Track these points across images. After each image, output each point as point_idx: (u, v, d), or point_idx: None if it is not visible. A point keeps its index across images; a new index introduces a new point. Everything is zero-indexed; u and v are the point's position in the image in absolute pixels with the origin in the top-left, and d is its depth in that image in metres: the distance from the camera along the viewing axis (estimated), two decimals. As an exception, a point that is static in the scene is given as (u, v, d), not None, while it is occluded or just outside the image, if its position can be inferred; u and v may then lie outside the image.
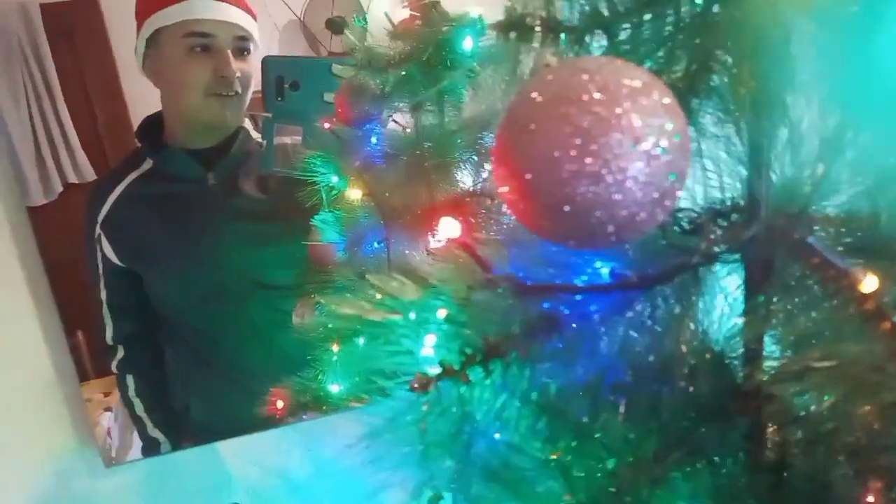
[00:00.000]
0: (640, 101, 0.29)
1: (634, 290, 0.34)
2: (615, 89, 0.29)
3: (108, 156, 2.86)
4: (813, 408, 0.34)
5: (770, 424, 0.37)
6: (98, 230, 1.27)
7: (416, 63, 0.87)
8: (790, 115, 0.37)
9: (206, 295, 1.26)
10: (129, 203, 1.27)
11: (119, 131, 2.85)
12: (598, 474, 0.36)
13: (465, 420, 0.38)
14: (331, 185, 0.99)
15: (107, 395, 2.26)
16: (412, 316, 0.40)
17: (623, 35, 0.39)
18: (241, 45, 1.20)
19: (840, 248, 0.36)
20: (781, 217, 0.39)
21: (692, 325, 0.38)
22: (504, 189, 0.31)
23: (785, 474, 0.36)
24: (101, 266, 1.30)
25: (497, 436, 0.40)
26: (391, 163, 0.95)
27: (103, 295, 1.31)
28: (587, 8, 0.37)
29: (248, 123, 1.30)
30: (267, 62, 1.12)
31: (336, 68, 1.12)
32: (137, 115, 3.01)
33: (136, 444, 1.37)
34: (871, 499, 0.30)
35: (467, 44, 0.85)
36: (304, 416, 1.08)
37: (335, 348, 0.92)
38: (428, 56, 0.86)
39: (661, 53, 0.38)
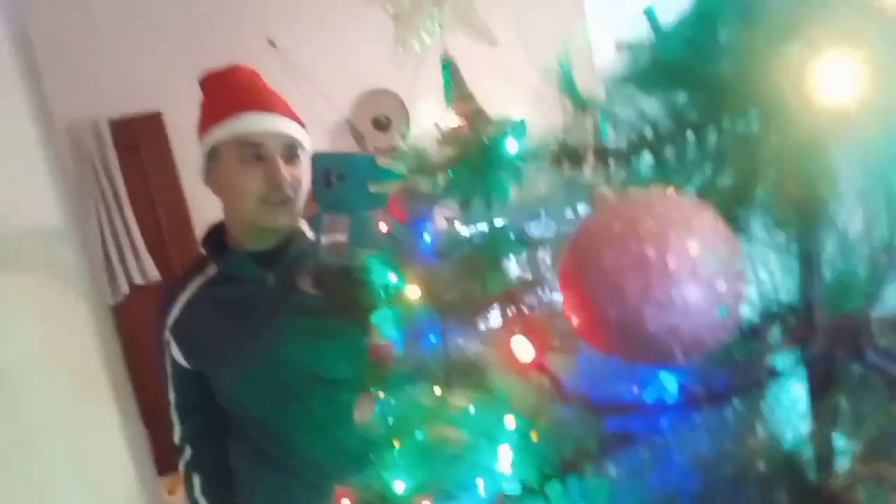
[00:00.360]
0: (695, 230, 0.31)
1: (702, 405, 0.35)
2: (671, 221, 0.31)
3: (172, 258, 3.00)
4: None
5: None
6: (167, 334, 1.32)
7: (463, 166, 0.92)
8: (837, 223, 0.38)
9: (268, 391, 1.29)
10: (195, 307, 1.32)
11: (182, 235, 3.01)
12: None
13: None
14: (388, 282, 1.02)
15: (171, 492, 2.28)
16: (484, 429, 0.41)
17: (668, 153, 0.42)
18: (291, 152, 1.27)
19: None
20: (838, 319, 0.40)
21: (761, 431, 0.39)
22: (572, 314, 0.33)
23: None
24: (169, 369, 1.34)
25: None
26: (445, 259, 0.98)
27: (172, 396, 1.36)
28: (633, 135, 0.40)
29: (303, 224, 1.36)
30: (315, 157, 1.17)
31: (380, 160, 1.16)
32: (198, 221, 3.16)
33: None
34: None
35: (511, 146, 0.89)
36: (369, 515, 1.07)
37: (397, 445, 0.93)
38: (474, 159, 0.91)
39: (706, 170, 0.41)
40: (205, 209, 2.75)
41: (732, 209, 0.41)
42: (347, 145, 3.00)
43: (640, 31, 0.42)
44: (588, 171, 0.40)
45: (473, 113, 0.97)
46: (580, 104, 0.40)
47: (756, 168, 0.39)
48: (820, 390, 0.40)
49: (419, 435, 0.90)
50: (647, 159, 0.42)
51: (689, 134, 0.41)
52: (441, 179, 0.96)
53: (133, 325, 2.21)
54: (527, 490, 0.34)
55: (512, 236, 0.94)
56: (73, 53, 2.73)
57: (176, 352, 1.32)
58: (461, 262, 0.95)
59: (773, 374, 0.37)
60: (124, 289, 2.74)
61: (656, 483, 0.35)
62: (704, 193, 0.39)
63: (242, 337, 1.28)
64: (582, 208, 0.47)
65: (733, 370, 0.37)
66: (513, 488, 0.35)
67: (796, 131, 0.37)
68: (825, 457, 0.39)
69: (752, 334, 0.40)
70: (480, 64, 1.85)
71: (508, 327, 0.85)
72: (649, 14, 0.41)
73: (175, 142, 2.85)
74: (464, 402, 0.46)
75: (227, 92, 1.27)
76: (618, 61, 0.42)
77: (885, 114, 0.34)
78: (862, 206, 0.37)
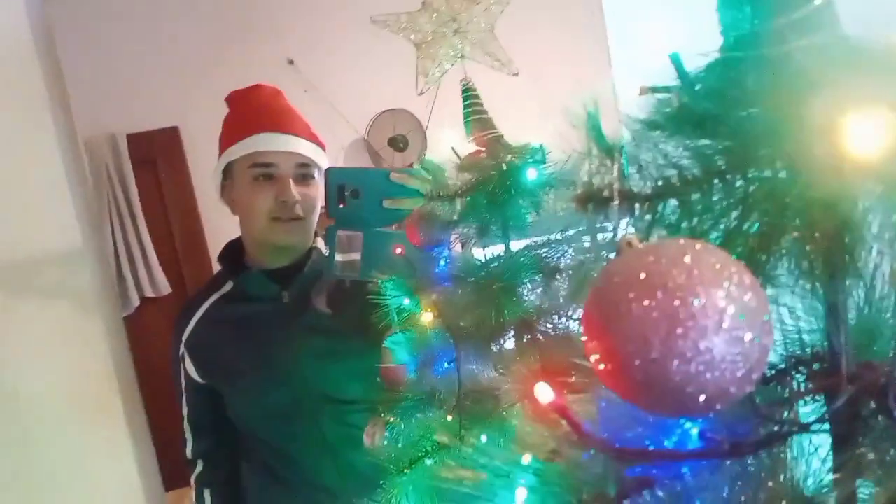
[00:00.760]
0: (722, 284, 0.31)
1: (726, 457, 0.35)
2: (699, 271, 0.31)
3: (184, 272, 3.02)
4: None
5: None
6: (182, 349, 1.33)
7: (481, 192, 0.92)
8: (864, 272, 0.38)
9: (279, 410, 1.29)
10: (210, 323, 1.32)
11: (194, 249, 3.03)
12: None
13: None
14: (402, 306, 1.02)
15: (177, 509, 2.27)
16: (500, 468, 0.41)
17: (694, 199, 0.42)
18: (304, 171, 1.27)
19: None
20: (864, 367, 0.40)
21: (784, 478, 0.38)
22: (595, 361, 0.33)
23: None
24: (184, 383, 1.35)
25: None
26: (460, 285, 0.98)
27: (185, 411, 1.36)
28: (659, 181, 0.40)
29: (320, 243, 1.36)
30: (329, 172, 1.17)
31: (394, 176, 1.16)
32: (212, 236, 3.18)
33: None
34: None
35: (531, 174, 0.89)
36: (376, 539, 1.06)
37: (406, 471, 0.92)
38: (493, 186, 0.91)
39: (733, 216, 0.41)
40: (218, 224, 2.78)
41: (758, 256, 0.41)
42: (363, 164, 3.02)
43: (665, 76, 0.42)
44: (613, 214, 0.40)
45: (493, 139, 0.97)
46: (606, 149, 0.40)
47: (782, 216, 0.39)
48: (844, 439, 0.39)
49: (429, 462, 0.90)
50: (672, 204, 0.42)
51: (716, 181, 0.41)
52: (459, 205, 0.96)
53: (143, 336, 2.23)
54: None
55: (529, 263, 0.94)
56: (94, 68, 2.77)
57: (190, 366, 1.33)
58: (477, 288, 0.95)
59: (798, 423, 0.37)
60: (135, 301, 2.77)
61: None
62: (730, 240, 0.39)
63: (255, 354, 1.29)
64: (604, 245, 0.47)
65: (757, 418, 0.36)
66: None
67: (823, 180, 0.37)
68: (848, 507, 0.39)
69: (776, 381, 0.40)
70: (501, 93, 1.86)
71: (524, 357, 0.85)
72: (675, 60, 0.42)
73: (191, 157, 2.89)
74: (476, 439, 0.46)
75: (245, 112, 1.29)
76: (643, 106, 0.42)
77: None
78: (889, 254, 0.37)
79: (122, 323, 1.30)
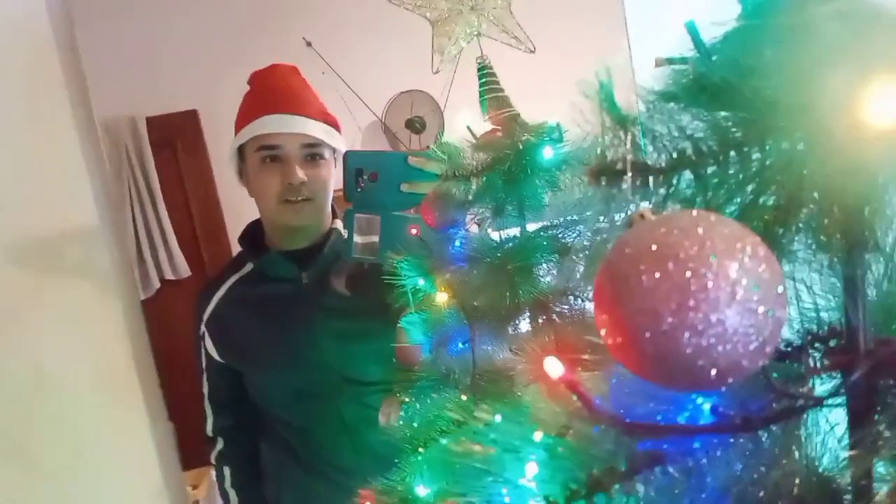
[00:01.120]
0: (735, 255, 0.31)
1: (737, 431, 0.34)
2: (711, 243, 0.31)
3: (204, 255, 3.04)
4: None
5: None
6: (202, 328, 1.35)
7: (497, 172, 0.91)
8: (882, 245, 0.37)
9: (298, 390, 1.30)
10: (230, 303, 1.34)
11: (214, 232, 3.05)
12: None
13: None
14: (417, 287, 1.02)
15: (194, 487, 2.31)
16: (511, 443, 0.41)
17: (710, 172, 0.41)
18: (311, 151, 1.26)
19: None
20: (881, 343, 0.39)
21: (797, 455, 0.38)
22: (606, 335, 0.33)
23: None
24: (204, 361, 1.37)
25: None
26: (475, 265, 0.98)
27: (205, 389, 1.38)
28: (674, 153, 0.39)
29: (339, 224, 1.36)
30: (347, 156, 1.17)
31: (412, 160, 1.15)
32: (231, 219, 3.19)
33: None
34: None
35: (547, 153, 0.88)
36: (391, 519, 1.07)
37: (421, 450, 0.93)
38: (509, 165, 0.90)
39: (749, 189, 0.40)
40: (238, 207, 2.79)
41: (775, 230, 0.40)
42: (381, 146, 3.02)
43: (682, 46, 0.41)
44: (627, 187, 0.39)
45: (509, 118, 0.96)
46: (619, 120, 0.39)
47: (800, 189, 0.39)
48: (861, 416, 0.39)
49: (443, 441, 0.90)
50: (687, 177, 0.41)
51: (732, 153, 0.40)
52: (474, 185, 0.95)
53: (164, 318, 2.26)
54: (555, 508, 0.34)
55: (544, 243, 0.93)
56: (114, 51, 2.79)
57: (210, 346, 1.35)
58: (492, 268, 0.94)
59: (813, 399, 0.36)
60: (155, 283, 2.80)
61: (688, 506, 0.35)
62: (746, 214, 0.38)
63: (274, 335, 1.30)
64: (619, 221, 0.47)
65: (771, 394, 0.36)
66: (540, 505, 0.35)
67: (842, 152, 0.36)
68: (864, 483, 0.38)
69: (792, 358, 0.39)
70: (517, 70, 1.84)
71: (538, 337, 0.85)
72: (691, 29, 0.41)
73: (210, 140, 2.90)
74: (490, 415, 0.46)
75: (257, 94, 1.29)
76: (659, 77, 0.41)
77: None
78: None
79: (140, 304, 1.32)
